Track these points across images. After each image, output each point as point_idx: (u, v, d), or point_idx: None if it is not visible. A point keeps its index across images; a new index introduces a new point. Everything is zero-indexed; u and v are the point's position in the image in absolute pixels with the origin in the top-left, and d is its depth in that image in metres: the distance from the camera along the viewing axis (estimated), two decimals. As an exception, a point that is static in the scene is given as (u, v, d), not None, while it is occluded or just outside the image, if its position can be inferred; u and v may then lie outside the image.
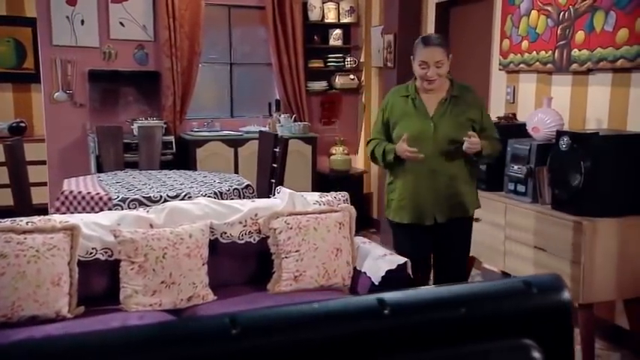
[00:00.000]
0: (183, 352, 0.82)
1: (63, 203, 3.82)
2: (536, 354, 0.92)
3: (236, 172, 5.84)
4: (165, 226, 3.02)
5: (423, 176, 3.16)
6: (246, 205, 3.23)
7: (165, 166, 5.45)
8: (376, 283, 3.04)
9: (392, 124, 3.25)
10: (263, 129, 6.21)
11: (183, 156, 5.88)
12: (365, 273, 3.12)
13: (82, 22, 6.03)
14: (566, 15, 3.99)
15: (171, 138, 5.88)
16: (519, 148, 3.81)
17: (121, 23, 6.15)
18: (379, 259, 3.11)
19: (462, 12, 5.33)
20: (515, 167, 3.78)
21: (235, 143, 6.02)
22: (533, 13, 4.29)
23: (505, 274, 4.14)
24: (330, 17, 6.67)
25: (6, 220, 2.82)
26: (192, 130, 6.23)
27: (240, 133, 6.21)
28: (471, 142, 3.05)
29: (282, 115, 6.40)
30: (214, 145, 5.95)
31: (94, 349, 0.80)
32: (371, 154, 3.31)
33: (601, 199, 3.33)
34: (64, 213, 3.68)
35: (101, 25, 6.09)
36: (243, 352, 0.84)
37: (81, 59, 6.05)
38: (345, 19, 6.72)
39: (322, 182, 6.24)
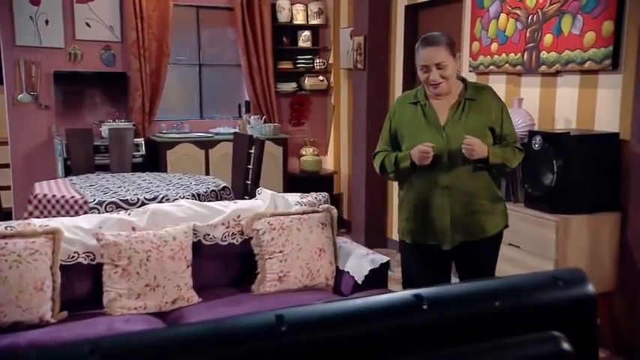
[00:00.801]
0: (237, 348, 0.84)
1: (36, 207, 3.75)
2: (566, 345, 0.97)
3: (207, 173, 5.82)
4: (148, 228, 3.00)
5: (436, 193, 2.74)
6: (228, 207, 3.23)
7: (136, 168, 5.40)
8: (359, 282, 3.08)
9: (400, 136, 2.86)
10: (233, 130, 6.19)
11: (153, 158, 5.82)
12: (348, 272, 3.15)
13: (47, 22, 5.92)
14: (534, 18, 4.10)
15: (141, 140, 5.81)
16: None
17: (87, 24, 6.06)
18: (362, 259, 3.15)
19: (430, 14, 5.42)
20: (489, 167, 3.87)
21: (206, 145, 5.99)
22: (502, 16, 4.40)
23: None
24: (299, 19, 6.70)
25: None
26: (161, 132, 6.17)
27: (210, 135, 6.18)
28: (467, 143, 2.64)
29: (252, 117, 6.39)
30: (185, 146, 5.91)
31: (146, 349, 0.81)
32: (380, 168, 2.91)
33: (573, 196, 3.44)
34: (37, 217, 3.61)
35: (66, 25, 5.99)
36: (292, 348, 0.87)
37: (45, 60, 5.93)
38: (314, 21, 6.76)
39: (293, 183, 6.27)
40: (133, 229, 3.00)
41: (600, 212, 3.51)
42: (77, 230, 2.91)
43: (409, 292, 0.99)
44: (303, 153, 6.67)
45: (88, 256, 2.89)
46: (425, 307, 0.94)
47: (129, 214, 3.10)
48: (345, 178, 6.70)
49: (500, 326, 0.98)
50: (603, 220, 3.51)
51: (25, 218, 3.44)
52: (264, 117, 6.46)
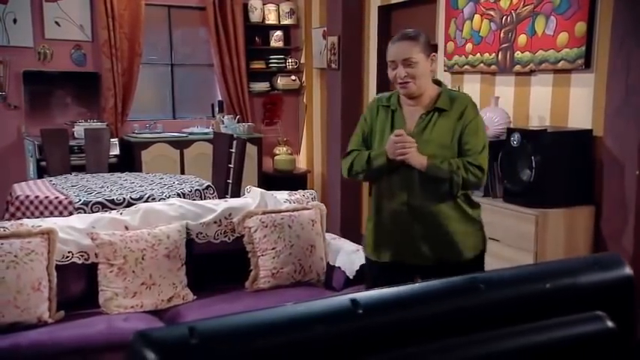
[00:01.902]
0: (320, 330, 0.90)
1: (18, 208, 3.69)
2: (610, 323, 1.06)
3: (182, 173, 5.80)
4: (141, 227, 3.01)
5: (394, 211, 2.49)
6: (219, 205, 3.26)
7: (111, 168, 5.35)
8: (351, 277, 3.15)
9: (370, 141, 2.59)
10: (207, 130, 6.20)
11: (127, 158, 5.78)
12: (339, 268, 3.22)
13: (15, 20, 5.82)
14: (508, 19, 4.24)
15: (115, 140, 5.76)
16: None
17: (57, 23, 5.97)
18: (352, 254, 3.22)
19: (404, 15, 5.52)
20: (468, 163, 3.99)
21: (181, 145, 5.98)
22: (477, 17, 4.53)
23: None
24: (271, 19, 6.74)
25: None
26: (134, 132, 6.13)
27: (184, 134, 6.17)
28: (395, 141, 2.38)
29: (226, 116, 6.40)
30: (159, 146, 5.89)
31: (236, 329, 0.86)
32: (349, 170, 2.57)
33: (550, 191, 3.58)
34: (19, 218, 3.56)
35: (35, 24, 5.90)
36: (368, 329, 0.93)
37: (14, 60, 5.82)
38: (286, 21, 6.81)
39: (268, 182, 6.30)
40: (126, 228, 3.00)
41: (576, 206, 3.65)
42: (70, 230, 2.90)
43: (467, 277, 1.06)
44: (277, 152, 6.71)
45: (82, 256, 2.88)
46: (482, 287, 1.02)
47: (120, 213, 3.10)
48: (318, 177, 6.77)
49: (549, 307, 1.06)
50: (579, 214, 3.65)
51: (7, 220, 3.39)
52: (237, 117, 6.47)
